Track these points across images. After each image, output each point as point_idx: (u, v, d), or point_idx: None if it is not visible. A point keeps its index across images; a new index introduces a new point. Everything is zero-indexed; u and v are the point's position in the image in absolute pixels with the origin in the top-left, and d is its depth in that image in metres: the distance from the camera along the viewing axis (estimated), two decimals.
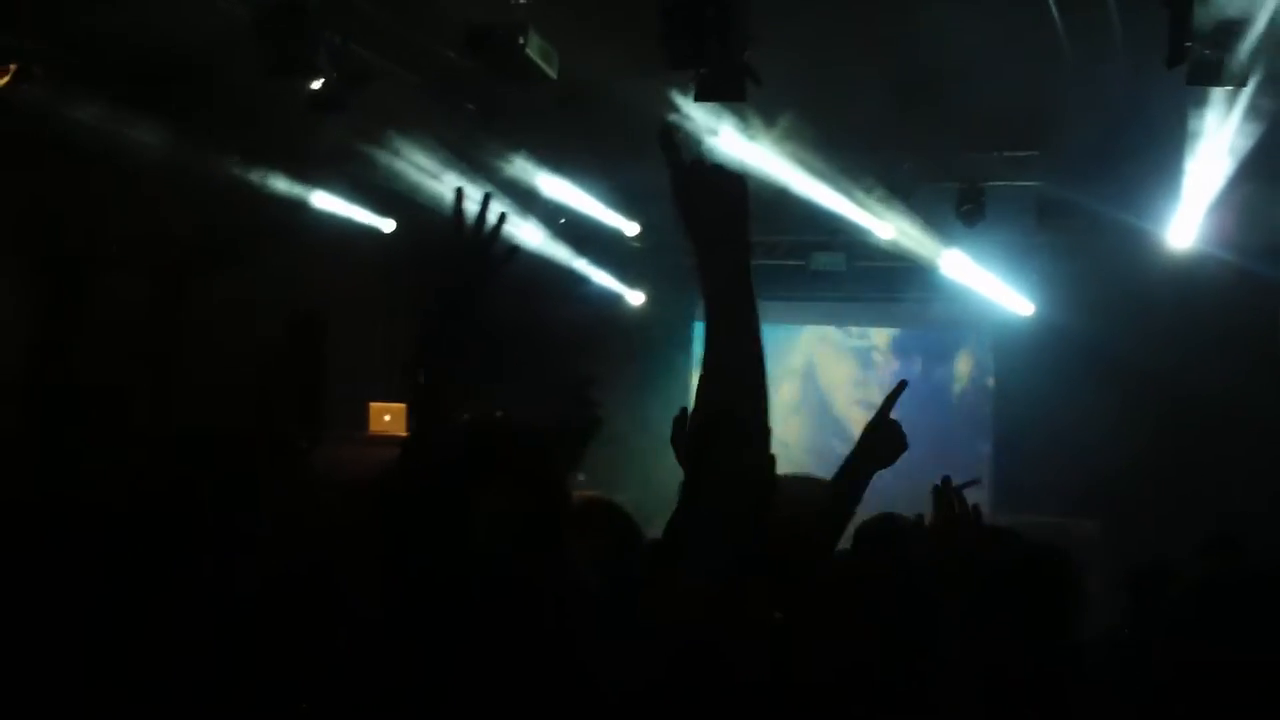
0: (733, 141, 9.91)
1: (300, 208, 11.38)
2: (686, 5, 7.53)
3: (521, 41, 8.06)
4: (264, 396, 2.70)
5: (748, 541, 1.98)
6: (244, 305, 8.80)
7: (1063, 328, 12.25)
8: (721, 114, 9.60)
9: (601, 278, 13.94)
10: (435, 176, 11.25)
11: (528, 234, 12.52)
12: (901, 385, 2.83)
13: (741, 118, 9.78)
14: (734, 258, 1.97)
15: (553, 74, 8.40)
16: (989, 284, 12.82)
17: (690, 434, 2.05)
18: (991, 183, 11.72)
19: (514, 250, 2.36)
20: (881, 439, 2.73)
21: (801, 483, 3.30)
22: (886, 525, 3.39)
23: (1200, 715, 1.93)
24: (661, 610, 1.95)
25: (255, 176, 10.41)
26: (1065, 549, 3.53)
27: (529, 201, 12.16)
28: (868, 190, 11.67)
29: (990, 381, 13.42)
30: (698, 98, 8.30)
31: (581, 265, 13.60)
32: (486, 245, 2.31)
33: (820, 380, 14.08)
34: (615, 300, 14.19)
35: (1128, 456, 11.47)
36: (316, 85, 8.67)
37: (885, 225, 12.34)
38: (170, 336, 9.31)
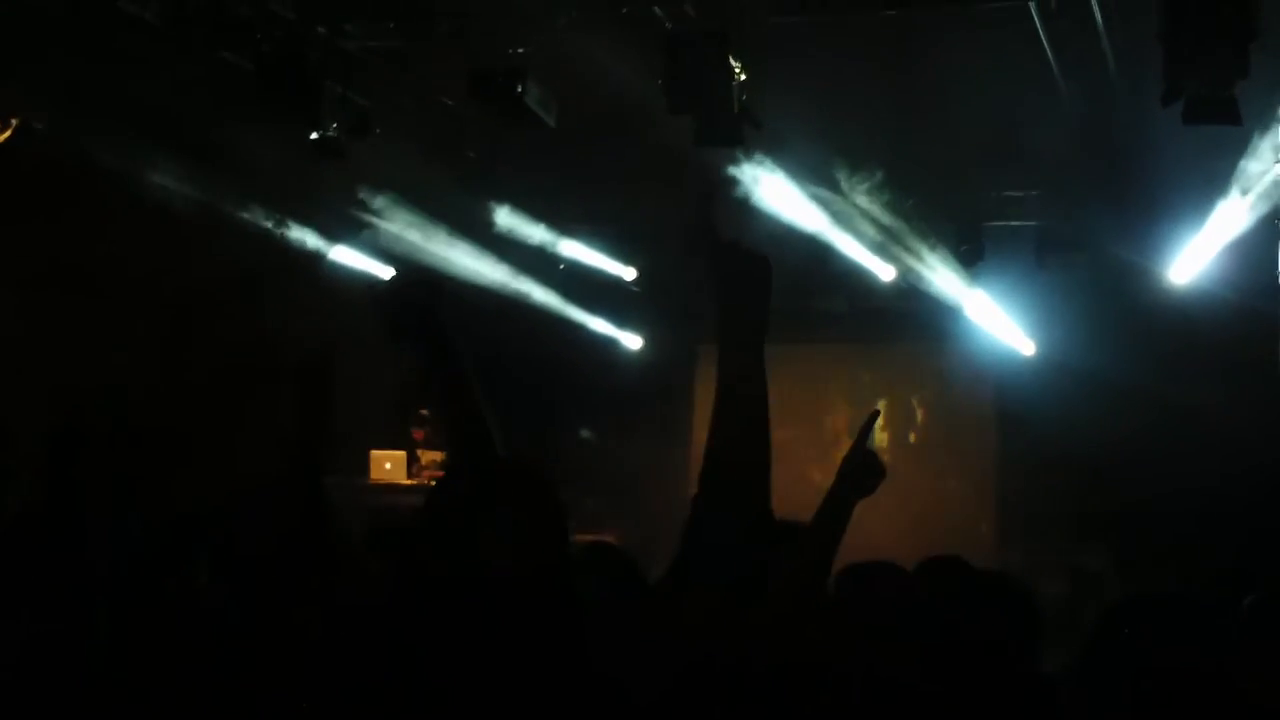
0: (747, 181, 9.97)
1: (301, 255, 11.42)
2: (687, 50, 7.60)
3: (520, 89, 8.13)
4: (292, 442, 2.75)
5: (750, 555, 2.20)
6: (248, 348, 8.83)
7: (1065, 363, 12.26)
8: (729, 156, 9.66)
9: (599, 323, 13.97)
10: (429, 229, 11.31)
11: (529, 283, 12.61)
12: (874, 415, 2.88)
13: (745, 159, 9.84)
14: (755, 330, 2.24)
15: (551, 121, 8.47)
16: (990, 322, 12.84)
17: (704, 463, 2.24)
18: (990, 222, 11.78)
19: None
20: (859, 468, 2.77)
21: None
22: (868, 570, 3.41)
23: None
24: (669, 626, 2.05)
25: (259, 221, 10.46)
26: (1020, 581, 3.58)
27: (526, 249, 12.24)
28: (869, 230, 11.73)
29: (994, 417, 13.39)
30: (697, 141, 8.35)
31: (579, 310, 13.63)
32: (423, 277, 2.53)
33: (822, 420, 14.04)
34: (613, 344, 14.21)
35: (1133, 488, 11.45)
36: (317, 135, 8.72)
37: (886, 266, 12.39)
38: (182, 375, 9.33)
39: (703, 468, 2.21)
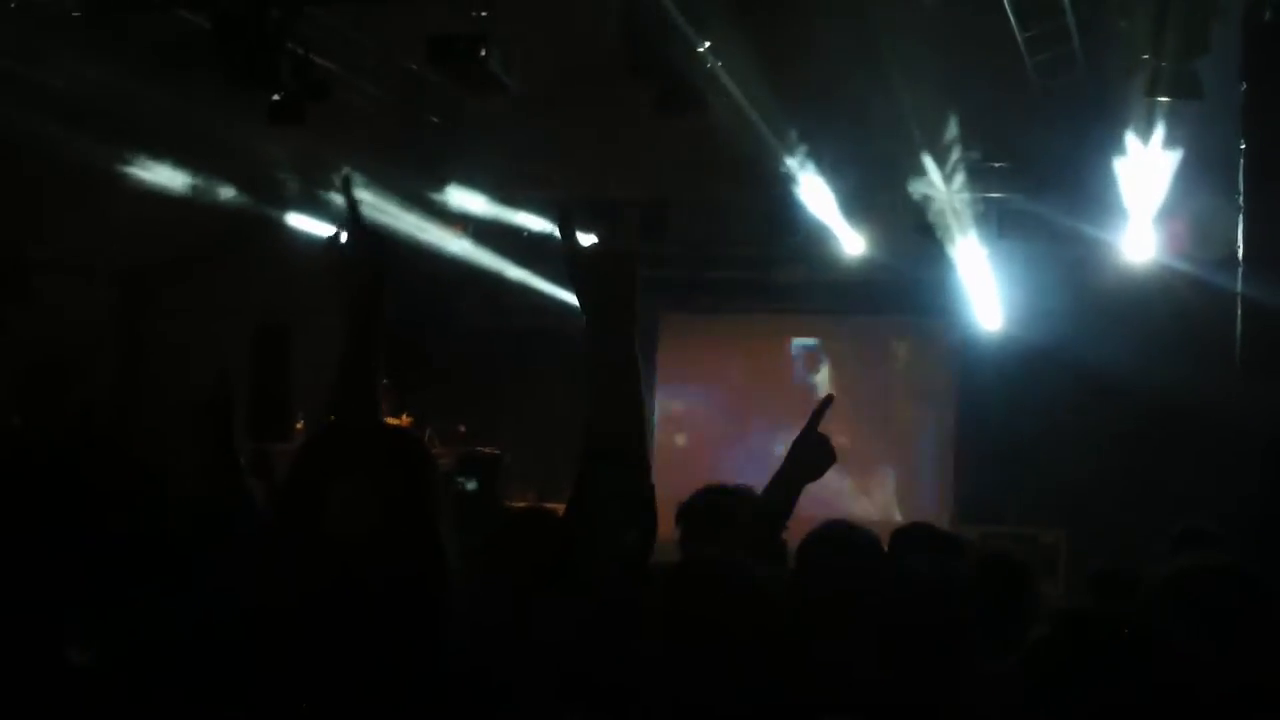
0: None
1: (262, 221, 11.31)
2: (646, 15, 7.56)
3: (483, 53, 8.07)
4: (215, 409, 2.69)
5: (632, 554, 2.22)
6: (207, 317, 8.74)
7: (1025, 338, 12.31)
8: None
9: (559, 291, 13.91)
10: (387, 197, 11.24)
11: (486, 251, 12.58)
12: (828, 400, 2.92)
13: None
14: (624, 330, 2.28)
15: (514, 85, 8.41)
16: (951, 295, 12.84)
17: (580, 461, 2.29)
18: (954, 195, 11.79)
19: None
20: (810, 452, 2.81)
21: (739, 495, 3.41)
22: (836, 532, 3.41)
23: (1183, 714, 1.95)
24: (552, 613, 2.06)
25: (217, 188, 10.33)
26: (1021, 557, 3.60)
27: (483, 217, 12.20)
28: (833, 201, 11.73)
29: (953, 391, 13.44)
30: (657, 107, 8.33)
31: (540, 280, 13.58)
32: (373, 230, 2.49)
33: (782, 393, 14.07)
34: (575, 314, 14.14)
35: (1091, 464, 11.52)
36: (277, 97, 8.60)
37: (853, 238, 12.38)
38: (134, 345, 9.21)
39: (584, 442, 2.27)
